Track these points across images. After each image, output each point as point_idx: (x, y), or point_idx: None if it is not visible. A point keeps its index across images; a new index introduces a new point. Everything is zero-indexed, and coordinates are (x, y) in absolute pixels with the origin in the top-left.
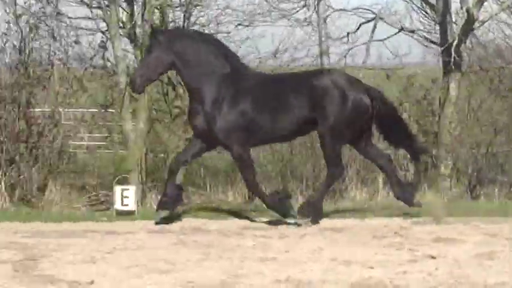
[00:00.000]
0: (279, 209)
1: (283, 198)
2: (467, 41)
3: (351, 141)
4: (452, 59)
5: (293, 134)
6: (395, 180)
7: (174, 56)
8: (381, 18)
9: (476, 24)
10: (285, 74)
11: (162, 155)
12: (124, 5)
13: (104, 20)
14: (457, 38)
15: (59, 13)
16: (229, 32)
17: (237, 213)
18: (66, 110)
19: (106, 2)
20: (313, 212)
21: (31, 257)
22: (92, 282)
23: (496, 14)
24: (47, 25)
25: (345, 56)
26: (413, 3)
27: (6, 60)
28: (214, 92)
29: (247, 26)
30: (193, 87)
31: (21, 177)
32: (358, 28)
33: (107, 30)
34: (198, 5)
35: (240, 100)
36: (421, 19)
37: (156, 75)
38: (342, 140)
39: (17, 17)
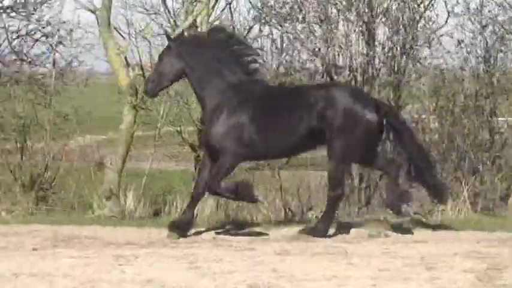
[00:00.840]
0: (243, 198)
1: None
2: None
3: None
4: None
5: (294, 149)
6: (393, 187)
7: (184, 63)
8: None
9: None
10: (291, 87)
11: None
12: None
13: None
14: None
15: None
16: None
17: None
18: None
19: None
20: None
21: (494, 267)
22: None
23: None
24: None
25: None
26: None
27: (470, 70)
28: (214, 101)
29: None
30: (198, 95)
31: (484, 186)
32: None
33: None
34: None
35: (238, 111)
36: None
37: (167, 81)
38: (349, 158)
39: (483, 26)
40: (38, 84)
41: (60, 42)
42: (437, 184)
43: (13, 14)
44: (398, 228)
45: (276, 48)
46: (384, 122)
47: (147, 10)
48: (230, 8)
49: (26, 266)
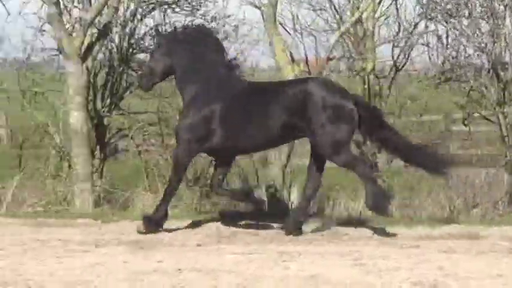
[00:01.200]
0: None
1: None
2: None
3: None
4: None
5: (267, 144)
6: (371, 185)
7: (172, 59)
8: None
9: None
10: (267, 83)
11: None
12: None
13: None
14: None
15: None
16: None
17: None
18: None
19: None
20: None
21: None
22: None
23: None
24: None
25: None
26: None
27: None
28: (190, 96)
29: None
30: (180, 91)
31: None
32: None
33: None
34: None
35: (209, 106)
36: None
37: (158, 77)
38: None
39: None
40: None
41: (226, 38)
42: (433, 158)
43: (178, 9)
44: None
45: (441, 44)
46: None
47: (312, 6)
48: (396, 4)
49: (190, 262)
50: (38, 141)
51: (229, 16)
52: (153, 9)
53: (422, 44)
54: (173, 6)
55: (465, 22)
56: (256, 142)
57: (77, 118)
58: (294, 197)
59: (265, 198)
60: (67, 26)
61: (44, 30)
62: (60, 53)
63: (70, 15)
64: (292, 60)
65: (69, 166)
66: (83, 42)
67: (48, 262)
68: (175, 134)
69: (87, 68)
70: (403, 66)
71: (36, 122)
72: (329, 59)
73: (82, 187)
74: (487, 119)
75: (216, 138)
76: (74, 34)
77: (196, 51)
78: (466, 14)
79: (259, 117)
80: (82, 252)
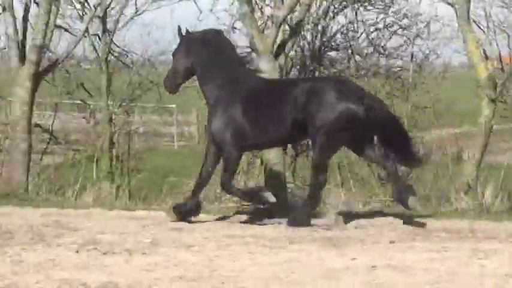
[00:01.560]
0: (252, 199)
1: (255, 190)
2: None
3: (351, 148)
4: None
5: (284, 140)
6: (396, 181)
7: (192, 60)
8: None
9: None
10: (281, 80)
11: None
12: None
13: None
14: None
15: None
16: None
17: None
18: None
19: None
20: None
21: None
22: None
23: None
24: None
25: None
26: None
27: None
28: (214, 95)
29: None
30: (202, 90)
31: None
32: None
33: None
34: None
35: (232, 104)
36: None
37: (180, 78)
38: (331, 148)
39: None
40: (395, 76)
41: (418, 35)
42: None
43: (370, 7)
44: None
45: None
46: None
47: (506, 4)
48: None
49: (384, 259)
50: None
51: (421, 14)
52: (345, 7)
53: None
54: (365, 4)
55: None
56: (270, 139)
57: None
58: (488, 194)
59: (273, 199)
60: (259, 23)
61: (235, 28)
62: (252, 50)
63: (262, 12)
64: (486, 57)
65: (262, 162)
66: (275, 40)
67: (241, 258)
68: (211, 135)
69: (279, 66)
70: None
71: None
72: None
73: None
74: None
75: (246, 133)
76: (266, 31)
77: (215, 51)
78: None
79: (271, 113)
80: (275, 249)
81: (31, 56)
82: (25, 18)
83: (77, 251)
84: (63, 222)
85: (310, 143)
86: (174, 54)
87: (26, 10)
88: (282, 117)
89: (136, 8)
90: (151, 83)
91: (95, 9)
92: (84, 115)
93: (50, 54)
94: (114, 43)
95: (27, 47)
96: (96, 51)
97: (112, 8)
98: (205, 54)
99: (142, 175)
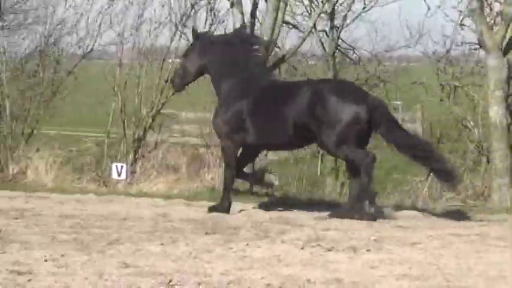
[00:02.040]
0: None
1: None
2: None
3: None
4: None
5: (290, 142)
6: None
7: (206, 60)
8: None
9: None
10: (290, 82)
11: None
12: None
13: None
14: None
15: None
16: None
17: None
18: None
19: None
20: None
21: None
22: None
23: None
24: None
25: None
26: None
27: None
28: (225, 92)
29: None
30: (215, 89)
31: None
32: None
33: None
34: None
35: (239, 102)
36: None
37: (191, 77)
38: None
39: None
40: None
41: None
42: (444, 169)
43: None
44: None
45: None
46: (372, 117)
47: None
48: None
49: None
50: (455, 135)
51: None
52: None
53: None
54: None
55: None
56: (273, 140)
57: (496, 112)
58: None
59: (276, 182)
60: (488, 19)
61: (463, 24)
62: (481, 46)
63: (491, 9)
64: None
65: (488, 161)
66: (504, 36)
67: (467, 257)
68: (214, 129)
69: (507, 62)
70: None
71: (455, 116)
72: None
73: (500, 182)
74: None
75: (250, 131)
76: (495, 28)
77: (229, 51)
78: None
79: (276, 115)
80: (500, 247)
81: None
82: (253, 14)
83: (302, 248)
84: (287, 218)
85: None
86: (185, 55)
87: (254, 6)
88: (284, 119)
89: (364, 5)
90: (378, 79)
91: (323, 5)
92: None
93: (277, 50)
94: (341, 39)
95: None
96: (323, 47)
97: (340, 5)
98: (220, 55)
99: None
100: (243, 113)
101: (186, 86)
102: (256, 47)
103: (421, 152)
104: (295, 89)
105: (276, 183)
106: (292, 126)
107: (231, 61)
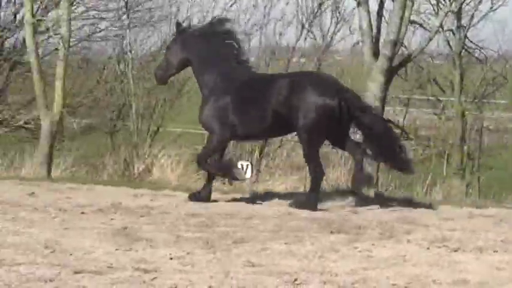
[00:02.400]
0: (225, 175)
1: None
2: None
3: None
4: None
5: (266, 132)
6: (359, 171)
7: (188, 53)
8: None
9: None
10: (268, 75)
11: None
12: None
13: None
14: None
15: None
16: None
17: None
18: None
19: None
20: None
21: None
22: None
23: None
24: None
25: None
26: None
27: None
28: (209, 87)
29: None
30: (198, 81)
31: None
32: None
33: None
34: None
35: (223, 95)
36: None
37: (173, 70)
38: (316, 140)
39: None
40: None
41: None
42: (403, 158)
43: None
44: None
45: None
46: (344, 107)
47: None
48: None
49: None
50: None
51: None
52: None
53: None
54: None
55: None
56: (252, 130)
57: None
58: None
59: (244, 176)
60: None
61: None
62: None
63: None
64: None
65: None
66: None
67: None
68: (202, 124)
69: None
70: None
71: None
72: None
73: None
74: None
75: (234, 124)
76: None
77: (211, 44)
78: None
79: (255, 106)
80: None
81: (385, 50)
82: (379, 13)
83: (428, 248)
84: (413, 218)
85: None
86: (168, 47)
87: (381, 5)
88: (264, 111)
89: (492, 4)
90: (505, 79)
91: (450, 4)
92: (435, 111)
93: (403, 49)
94: (468, 38)
95: (381, 41)
96: (449, 46)
97: (467, 4)
98: (201, 48)
99: (493, 172)
100: (228, 108)
101: (169, 79)
102: (231, 39)
103: (387, 140)
104: (275, 80)
105: (244, 176)
106: (271, 115)
107: (208, 54)
